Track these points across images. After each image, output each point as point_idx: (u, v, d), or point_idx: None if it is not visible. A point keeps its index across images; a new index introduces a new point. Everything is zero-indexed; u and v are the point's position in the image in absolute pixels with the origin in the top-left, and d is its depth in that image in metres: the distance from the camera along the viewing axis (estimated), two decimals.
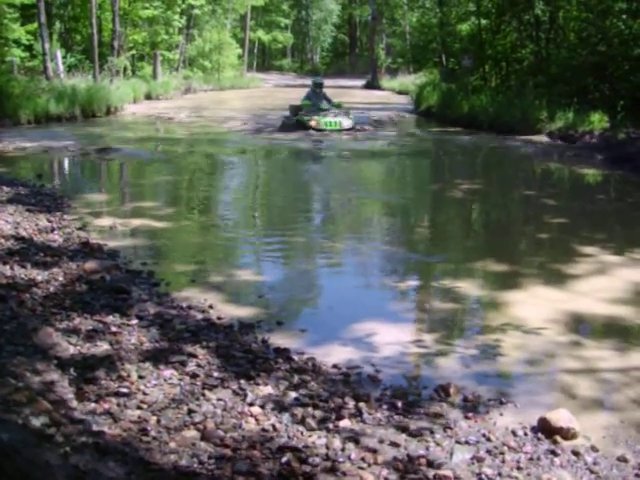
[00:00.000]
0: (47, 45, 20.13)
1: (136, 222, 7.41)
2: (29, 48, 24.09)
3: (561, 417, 3.39)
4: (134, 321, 4.51)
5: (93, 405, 3.34)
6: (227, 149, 15.01)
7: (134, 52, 28.82)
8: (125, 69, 26.41)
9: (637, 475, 3.03)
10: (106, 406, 3.34)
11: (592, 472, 3.05)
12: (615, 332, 4.75)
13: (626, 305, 5.22)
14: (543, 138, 15.17)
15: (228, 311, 4.86)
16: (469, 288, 5.63)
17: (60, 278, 5.23)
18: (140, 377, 3.70)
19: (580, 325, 4.90)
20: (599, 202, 9.56)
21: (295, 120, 16.54)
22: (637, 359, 4.30)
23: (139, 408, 3.37)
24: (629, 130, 13.97)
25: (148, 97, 25.55)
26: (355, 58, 61.20)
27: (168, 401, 3.46)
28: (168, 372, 3.78)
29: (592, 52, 16.67)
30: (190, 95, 30.14)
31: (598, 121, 14.78)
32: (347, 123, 16.34)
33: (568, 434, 3.32)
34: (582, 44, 17.73)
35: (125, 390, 3.53)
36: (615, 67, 15.96)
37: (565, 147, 14.23)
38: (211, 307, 4.91)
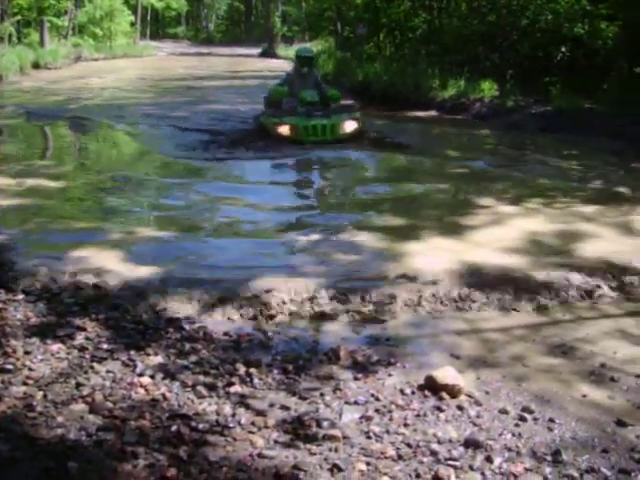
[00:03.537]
0: None
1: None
2: None
3: (447, 374, 3.50)
4: (20, 296, 4.38)
5: None
6: None
7: (19, 18, 27.59)
8: (10, 36, 25.27)
9: (516, 425, 3.17)
10: None
11: (475, 425, 3.17)
12: (506, 282, 4.91)
13: (519, 254, 5.45)
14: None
15: (118, 282, 4.73)
16: (368, 241, 5.76)
17: None
18: (26, 353, 3.61)
19: (474, 278, 4.96)
20: (494, 160, 9.92)
21: (257, 124, 10.44)
22: (523, 311, 4.54)
23: (25, 384, 3.30)
24: (517, 98, 14.43)
25: (36, 66, 24.50)
26: (251, 26, 60.60)
27: (55, 375, 3.39)
28: (55, 346, 3.70)
29: (482, 22, 17.10)
30: (80, 64, 29.14)
31: (488, 89, 15.17)
32: (350, 125, 9.83)
33: (453, 390, 3.43)
34: (473, 14, 18.14)
35: (10, 367, 3.44)
36: (504, 37, 16.41)
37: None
38: (101, 278, 4.79)
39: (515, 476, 2.79)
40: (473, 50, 16.79)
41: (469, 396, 3.43)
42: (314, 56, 11.34)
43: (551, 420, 3.21)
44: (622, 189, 7.98)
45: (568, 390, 3.53)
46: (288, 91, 10.23)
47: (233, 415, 3.11)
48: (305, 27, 36.56)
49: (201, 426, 2.99)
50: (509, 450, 2.97)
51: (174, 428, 2.95)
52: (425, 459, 2.88)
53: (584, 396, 3.47)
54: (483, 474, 2.80)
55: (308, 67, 10.59)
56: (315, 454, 2.86)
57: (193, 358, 3.66)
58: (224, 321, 4.18)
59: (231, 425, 3.03)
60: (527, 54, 15.59)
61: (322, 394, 3.36)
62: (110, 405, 3.12)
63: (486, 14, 17.37)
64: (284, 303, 4.40)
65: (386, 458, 2.87)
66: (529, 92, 14.46)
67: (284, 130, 9.59)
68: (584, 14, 15.29)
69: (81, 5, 34.66)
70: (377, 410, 3.24)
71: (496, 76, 15.51)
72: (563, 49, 15.38)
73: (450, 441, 3.01)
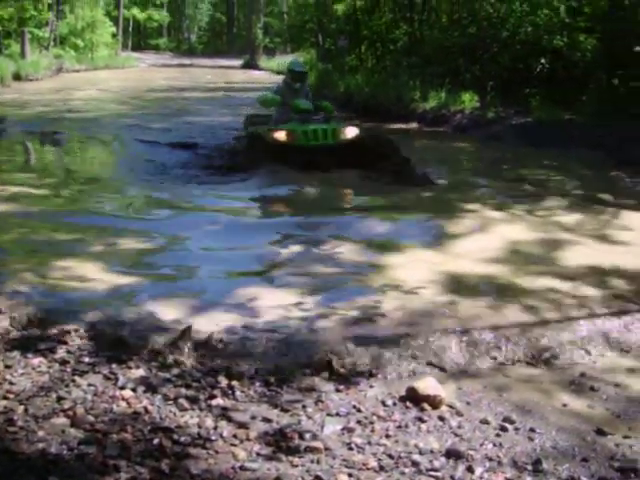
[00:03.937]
0: None
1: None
2: None
3: (428, 385, 3.52)
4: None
5: None
6: None
7: None
8: None
9: (497, 435, 3.19)
10: None
11: (456, 435, 3.19)
12: (488, 292, 4.98)
13: (501, 263, 5.52)
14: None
15: (101, 292, 4.74)
16: (349, 253, 5.81)
17: None
18: (7, 366, 3.59)
19: (456, 287, 5.04)
20: (475, 171, 10.00)
21: (248, 134, 9.98)
22: (507, 318, 4.54)
23: (5, 398, 3.27)
24: (498, 110, 14.55)
25: (17, 77, 24.33)
26: (233, 37, 60.65)
27: (36, 389, 3.37)
28: (36, 360, 3.68)
29: (463, 34, 17.25)
30: (62, 75, 29.02)
31: (469, 101, 15.31)
32: (352, 131, 9.21)
33: (435, 401, 3.45)
34: (453, 26, 18.31)
35: None
36: (484, 49, 16.56)
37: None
38: (83, 287, 4.79)
39: None
40: (454, 62, 16.92)
41: (450, 407, 3.45)
42: (306, 72, 10.81)
43: (532, 430, 3.24)
44: (603, 197, 8.10)
45: (548, 400, 3.56)
46: (281, 101, 9.55)
47: (215, 428, 3.11)
48: (287, 39, 36.66)
49: (183, 439, 2.98)
50: (490, 460, 2.98)
51: (156, 441, 2.94)
52: (407, 470, 2.89)
53: (564, 405, 3.50)
54: None
55: (300, 81, 9.92)
56: (297, 466, 2.86)
57: (175, 371, 3.65)
58: (206, 333, 4.16)
59: (213, 438, 3.02)
60: (507, 66, 15.76)
61: (304, 406, 3.36)
62: (92, 419, 3.10)
63: (467, 26, 17.53)
64: (266, 314, 4.41)
65: (368, 469, 2.87)
66: (509, 104, 14.61)
67: (280, 135, 8.91)
68: (563, 26, 15.47)
69: (62, 16, 34.51)
70: (359, 421, 3.25)
71: (477, 88, 15.66)
72: (543, 61, 15.54)
73: (431, 452, 3.03)
